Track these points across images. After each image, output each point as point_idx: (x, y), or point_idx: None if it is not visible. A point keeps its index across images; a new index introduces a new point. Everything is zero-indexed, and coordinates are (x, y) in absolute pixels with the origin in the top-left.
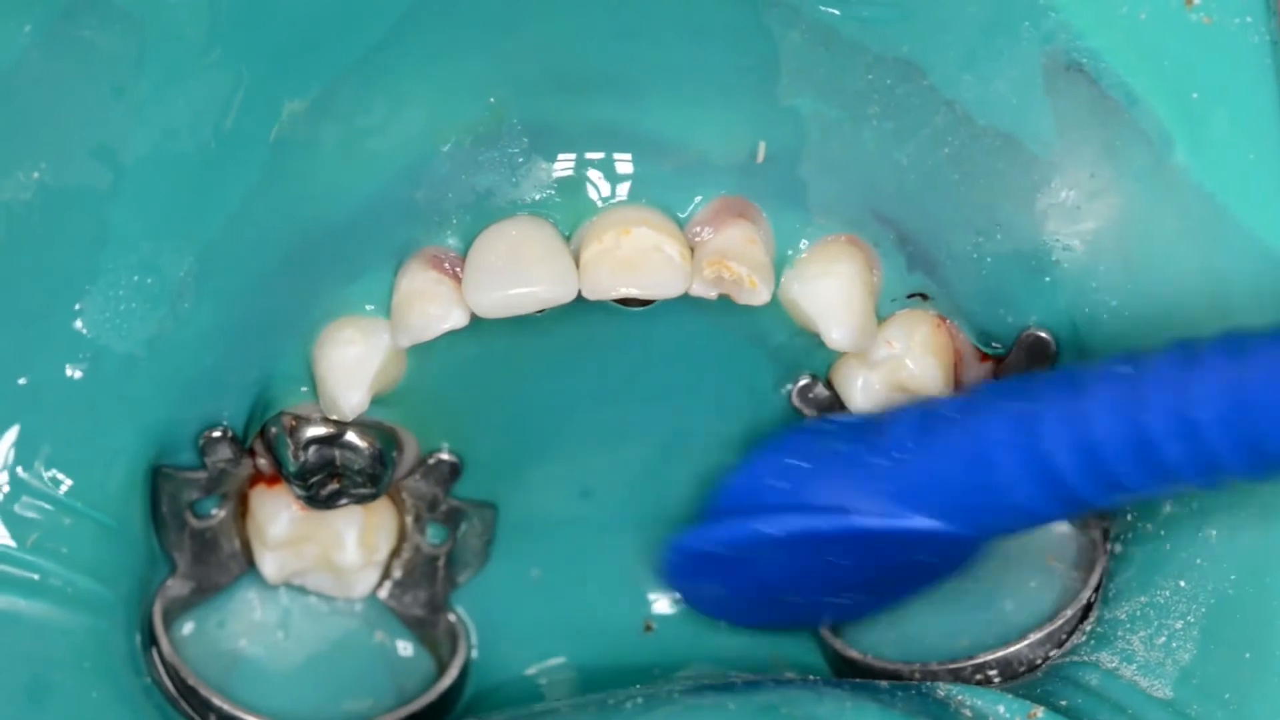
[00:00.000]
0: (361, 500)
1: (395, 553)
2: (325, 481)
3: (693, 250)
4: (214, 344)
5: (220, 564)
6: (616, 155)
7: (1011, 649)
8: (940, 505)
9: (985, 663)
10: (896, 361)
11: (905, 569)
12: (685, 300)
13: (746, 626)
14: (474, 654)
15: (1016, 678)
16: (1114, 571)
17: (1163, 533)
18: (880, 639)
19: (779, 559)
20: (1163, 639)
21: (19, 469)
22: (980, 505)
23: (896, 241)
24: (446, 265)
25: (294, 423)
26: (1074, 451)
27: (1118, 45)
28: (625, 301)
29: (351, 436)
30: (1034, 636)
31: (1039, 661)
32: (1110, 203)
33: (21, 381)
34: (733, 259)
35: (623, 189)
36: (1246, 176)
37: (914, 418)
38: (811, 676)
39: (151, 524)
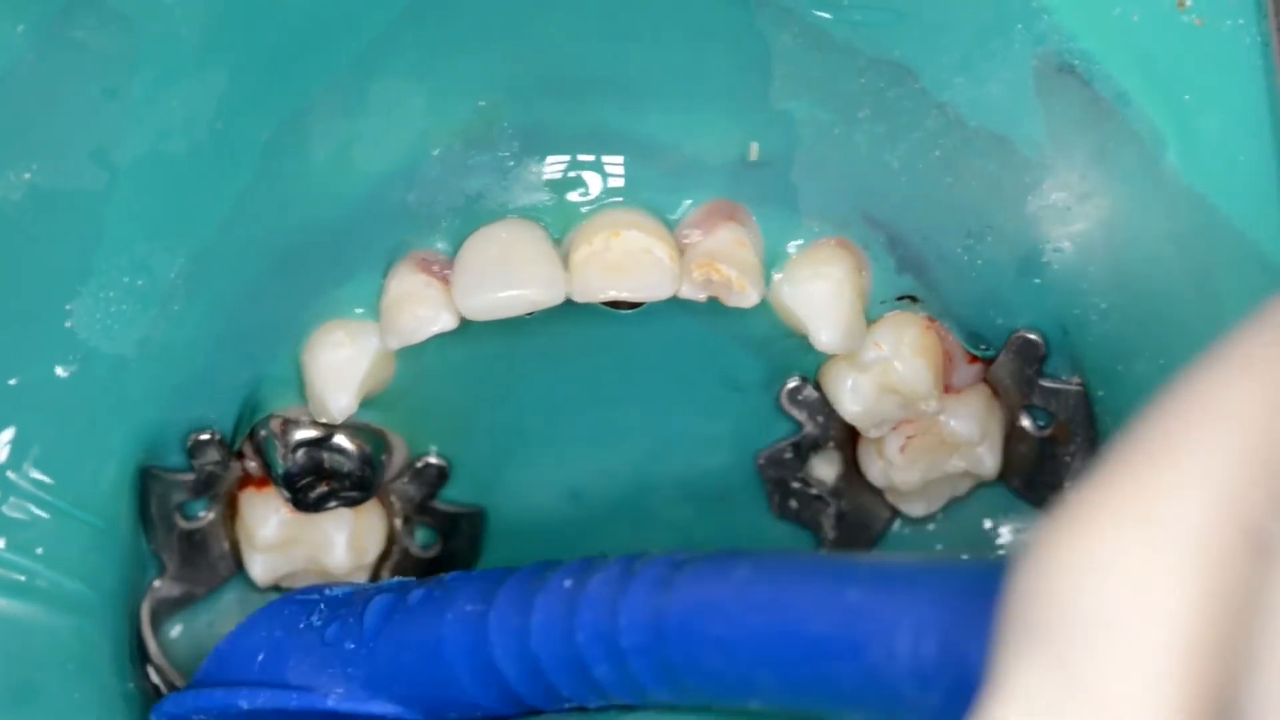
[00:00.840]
0: (350, 503)
1: (384, 556)
2: (314, 484)
3: (682, 252)
4: (204, 346)
5: (209, 566)
6: (607, 158)
7: None
8: (401, 694)
9: None
10: (885, 364)
11: None
12: (675, 303)
13: None
14: None
15: None
16: None
17: None
18: None
19: None
20: None
21: (8, 470)
22: (438, 698)
23: (886, 244)
24: (435, 268)
25: (283, 425)
26: (516, 661)
27: (1110, 47)
28: (615, 304)
29: (340, 439)
30: None
31: None
32: (1101, 204)
33: (12, 382)
34: (722, 261)
35: (613, 192)
36: (1238, 178)
37: (386, 604)
38: None
39: (140, 526)
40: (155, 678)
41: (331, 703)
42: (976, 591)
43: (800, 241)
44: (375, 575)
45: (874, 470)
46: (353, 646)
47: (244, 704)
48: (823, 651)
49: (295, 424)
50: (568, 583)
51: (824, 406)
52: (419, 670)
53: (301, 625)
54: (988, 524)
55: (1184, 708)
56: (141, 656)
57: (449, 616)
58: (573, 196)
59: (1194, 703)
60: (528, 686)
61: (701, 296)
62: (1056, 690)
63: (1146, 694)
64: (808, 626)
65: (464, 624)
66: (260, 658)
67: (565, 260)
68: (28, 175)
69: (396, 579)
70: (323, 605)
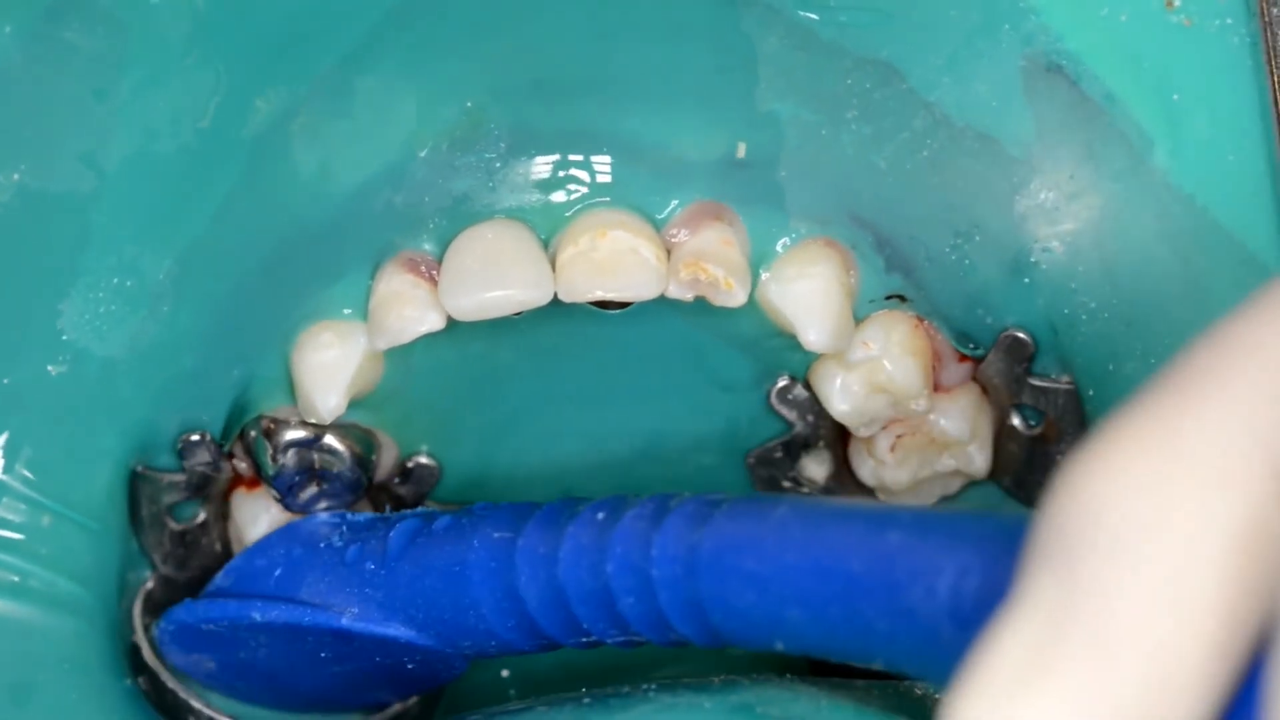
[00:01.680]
0: (341, 504)
1: None
2: (304, 485)
3: (669, 252)
4: (194, 346)
5: (201, 566)
6: (594, 158)
7: None
8: (418, 618)
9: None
10: (874, 363)
11: (390, 672)
12: (662, 302)
13: (242, 701)
14: None
15: None
16: None
17: None
18: None
19: (268, 643)
20: None
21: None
22: (456, 624)
23: (874, 244)
24: (423, 269)
25: (272, 426)
26: (541, 589)
27: (1098, 47)
28: (602, 304)
29: (330, 440)
30: None
31: None
32: (1090, 204)
33: (2, 383)
34: (708, 261)
35: (600, 191)
36: (1226, 179)
37: (411, 528)
38: (789, 675)
39: (131, 526)
40: (145, 685)
41: (345, 621)
42: (1019, 540)
43: (787, 241)
44: None
45: (865, 469)
46: (373, 568)
47: (257, 616)
48: (858, 589)
49: (284, 425)
50: (600, 515)
51: (814, 406)
52: (439, 595)
53: (322, 545)
54: None
55: (1195, 635)
56: (133, 656)
57: (475, 542)
58: (559, 197)
59: (1209, 634)
60: (549, 617)
61: (689, 296)
62: (1062, 597)
63: (1154, 615)
64: (844, 564)
65: (490, 550)
66: (277, 573)
67: (552, 260)
68: (16, 176)
69: (422, 507)
70: (345, 528)
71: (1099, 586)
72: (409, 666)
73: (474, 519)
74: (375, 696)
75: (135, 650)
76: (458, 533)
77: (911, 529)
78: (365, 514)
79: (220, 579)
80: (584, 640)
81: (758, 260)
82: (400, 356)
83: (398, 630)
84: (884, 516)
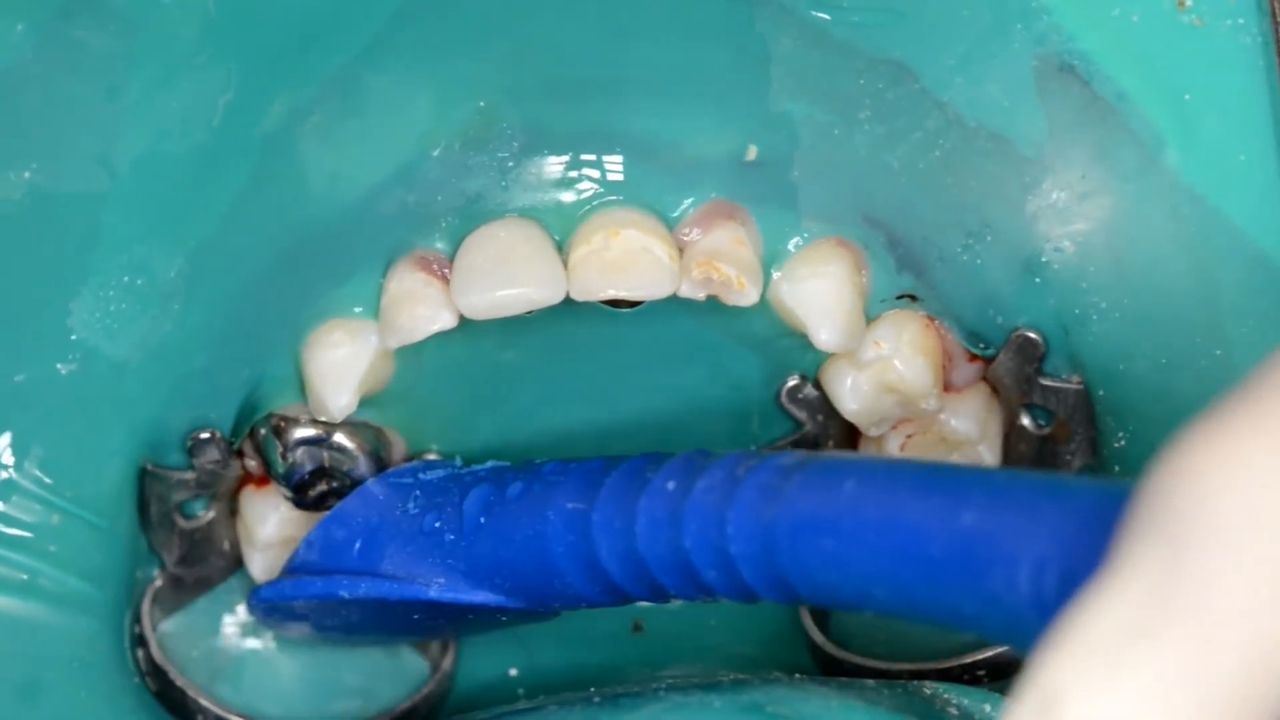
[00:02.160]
0: None
1: None
2: (314, 483)
3: (681, 251)
4: (204, 345)
5: (210, 565)
6: (607, 158)
7: (1001, 649)
8: (504, 585)
9: (974, 663)
10: (885, 362)
11: (484, 620)
12: (674, 301)
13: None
14: (462, 654)
15: (1005, 678)
16: None
17: None
18: (869, 638)
19: (359, 610)
20: None
21: (10, 469)
22: (543, 590)
23: (886, 244)
24: (435, 267)
25: (282, 424)
26: (622, 562)
27: (1110, 47)
28: (614, 303)
29: (340, 438)
30: None
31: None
32: (1101, 204)
33: (14, 381)
34: (721, 260)
35: (613, 191)
36: (1238, 178)
37: (484, 496)
38: (798, 675)
39: (140, 524)
40: (152, 684)
41: (434, 593)
42: (1100, 518)
43: (799, 240)
44: None
45: None
46: (452, 538)
47: (344, 594)
48: (940, 576)
49: (295, 423)
50: (671, 484)
51: (824, 405)
52: (522, 565)
53: (398, 513)
54: None
55: None
56: (142, 654)
57: (550, 514)
58: (572, 196)
59: None
60: (635, 585)
61: (701, 295)
62: (1166, 575)
63: (1260, 608)
64: (923, 549)
65: (566, 522)
66: (357, 545)
67: (564, 259)
68: (27, 174)
69: (491, 463)
70: (418, 491)
71: (1206, 571)
72: (502, 619)
73: (545, 485)
74: (473, 629)
75: (144, 648)
76: (531, 503)
77: (986, 509)
78: (437, 473)
79: (303, 552)
80: (670, 600)
81: (770, 259)
82: (411, 355)
83: (486, 597)
84: (956, 490)
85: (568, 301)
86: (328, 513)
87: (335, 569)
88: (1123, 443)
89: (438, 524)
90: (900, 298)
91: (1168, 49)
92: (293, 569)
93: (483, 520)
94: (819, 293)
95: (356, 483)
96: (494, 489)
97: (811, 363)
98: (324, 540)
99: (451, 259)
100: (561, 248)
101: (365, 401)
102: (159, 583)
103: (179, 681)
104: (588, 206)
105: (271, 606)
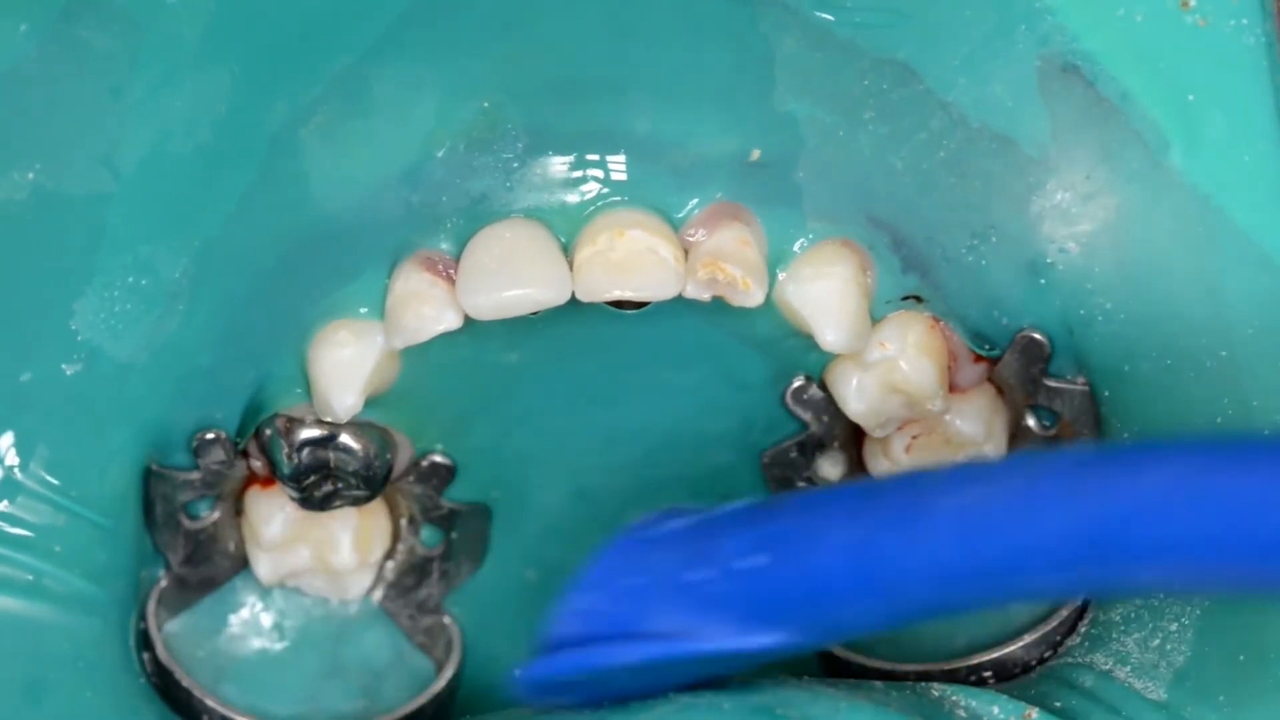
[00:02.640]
0: (356, 502)
1: (389, 555)
2: (319, 483)
3: (686, 252)
4: (209, 345)
5: (215, 565)
6: (611, 158)
7: (1007, 650)
8: (783, 621)
9: (980, 664)
10: (890, 363)
11: (756, 657)
12: (679, 302)
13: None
14: (468, 656)
15: (1011, 679)
16: None
17: None
18: (876, 640)
19: (630, 672)
20: (1157, 641)
21: (15, 470)
22: (822, 621)
23: (891, 244)
24: (440, 267)
25: (288, 424)
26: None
27: (1114, 47)
28: (619, 304)
29: (345, 438)
30: (1029, 638)
31: (1034, 663)
32: (1106, 205)
33: (18, 381)
34: (726, 261)
35: (617, 192)
36: (1242, 179)
37: (742, 543)
38: (806, 677)
39: (145, 524)
40: (158, 682)
41: (710, 645)
42: None
43: (805, 241)
44: (380, 574)
45: (879, 469)
46: (716, 587)
47: (614, 661)
48: None
49: (300, 423)
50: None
51: (829, 406)
52: (804, 593)
53: (655, 568)
54: None
55: None
56: (148, 654)
57: (833, 535)
58: (577, 196)
59: None
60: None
61: (706, 296)
62: None
63: None
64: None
65: (843, 555)
66: (621, 609)
67: (569, 260)
68: (31, 175)
69: (745, 501)
70: (669, 543)
71: None
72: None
73: (819, 510)
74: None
75: (149, 648)
76: (795, 546)
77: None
78: (683, 518)
79: (564, 627)
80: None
81: (775, 260)
82: (417, 355)
83: (766, 639)
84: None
85: (573, 302)
86: (576, 584)
87: (601, 635)
88: None
89: (696, 572)
90: (905, 299)
91: (1171, 49)
92: (557, 644)
93: (742, 566)
94: (824, 294)
95: (362, 482)
96: (749, 529)
97: (816, 363)
98: (584, 610)
99: (457, 259)
100: (566, 248)
101: (370, 401)
102: (164, 583)
103: (184, 681)
104: (592, 207)
105: (540, 685)
